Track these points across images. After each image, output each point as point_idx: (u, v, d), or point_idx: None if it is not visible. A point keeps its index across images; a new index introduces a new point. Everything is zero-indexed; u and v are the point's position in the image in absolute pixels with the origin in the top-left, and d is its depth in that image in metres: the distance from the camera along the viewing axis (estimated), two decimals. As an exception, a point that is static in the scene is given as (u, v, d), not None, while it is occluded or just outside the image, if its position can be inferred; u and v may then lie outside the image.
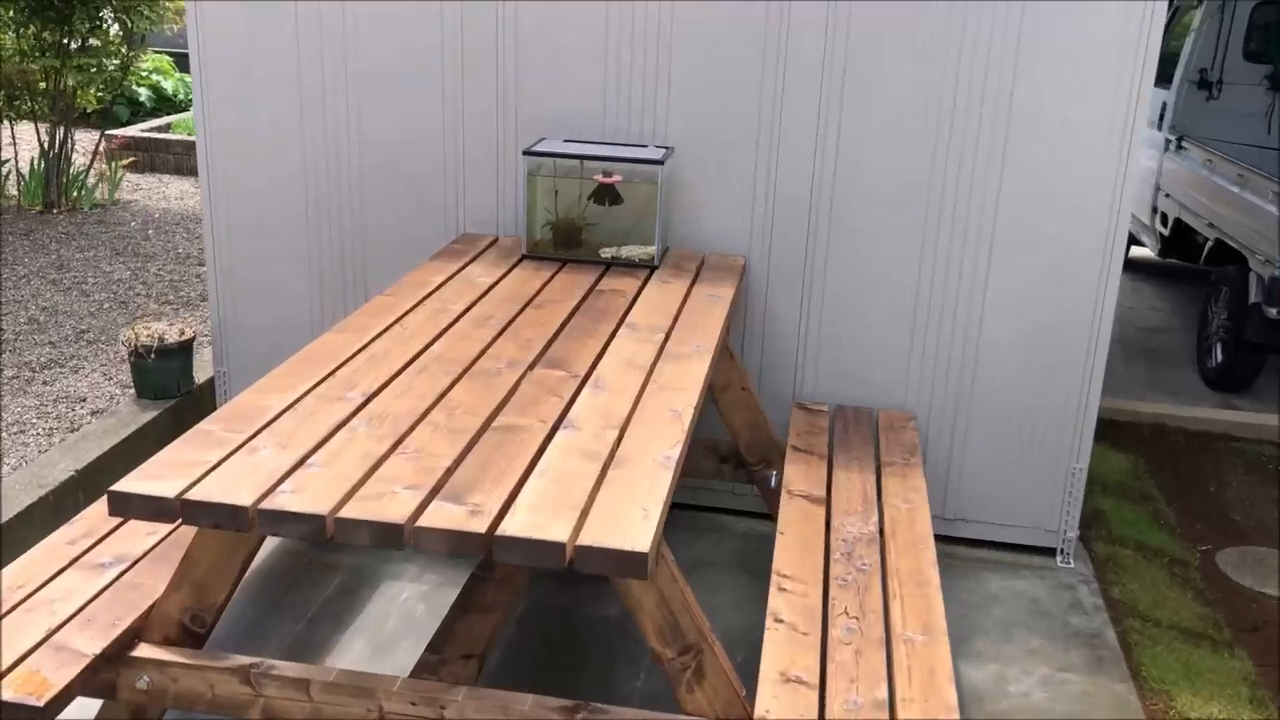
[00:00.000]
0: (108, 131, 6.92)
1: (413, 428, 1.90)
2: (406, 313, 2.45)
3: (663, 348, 2.33)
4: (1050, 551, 3.17)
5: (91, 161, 6.28)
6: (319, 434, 1.86)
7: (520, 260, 2.89)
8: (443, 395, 2.04)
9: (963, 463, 3.15)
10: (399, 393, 2.04)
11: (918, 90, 2.89)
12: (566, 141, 2.99)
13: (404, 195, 3.19)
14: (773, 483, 2.90)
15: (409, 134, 3.14)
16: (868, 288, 3.06)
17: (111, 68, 6.12)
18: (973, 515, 3.17)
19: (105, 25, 6.09)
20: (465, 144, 3.14)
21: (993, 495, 3.16)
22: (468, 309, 2.49)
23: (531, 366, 2.19)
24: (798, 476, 2.67)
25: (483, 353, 2.25)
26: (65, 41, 5.81)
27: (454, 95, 3.09)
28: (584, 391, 2.08)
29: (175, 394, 3.32)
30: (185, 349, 3.31)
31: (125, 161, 6.84)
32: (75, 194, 6.10)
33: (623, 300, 2.61)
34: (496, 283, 2.70)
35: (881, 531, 2.46)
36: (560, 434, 1.91)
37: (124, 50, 6.13)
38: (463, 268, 2.81)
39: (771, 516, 3.19)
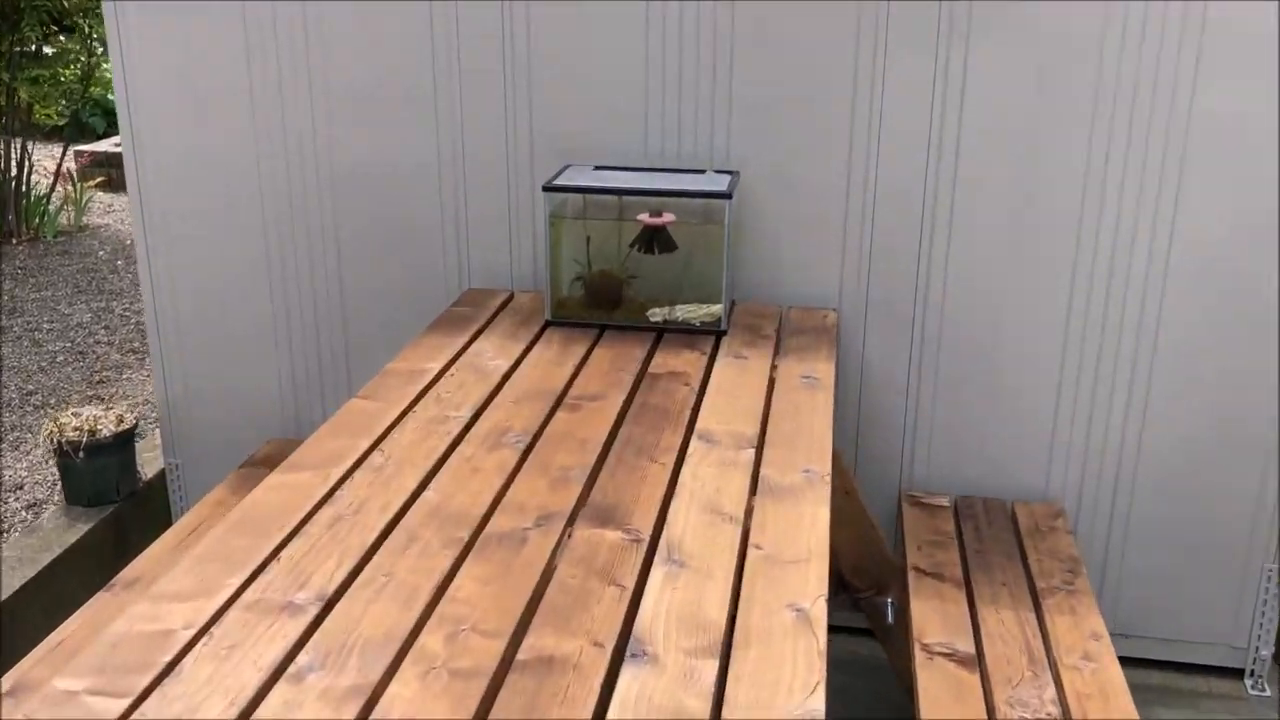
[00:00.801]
0: (75, 147, 6.24)
1: (392, 671, 1.21)
2: (392, 426, 1.75)
3: (756, 474, 1.63)
4: (1238, 673, 2.47)
5: (54, 183, 5.60)
6: (238, 691, 1.17)
7: (544, 329, 2.19)
8: (440, 592, 1.34)
9: (1122, 564, 2.44)
10: (373, 592, 1.34)
11: (1061, 92, 2.18)
12: (598, 170, 2.29)
13: (390, 242, 2.49)
14: (889, 615, 2.21)
15: (393, 165, 2.45)
16: (997, 343, 2.35)
17: (70, 78, 5.44)
18: (1138, 629, 2.47)
19: (60, 33, 5.42)
20: (466, 176, 2.44)
21: (1163, 604, 2.45)
22: (476, 415, 1.80)
23: (572, 523, 1.50)
24: (931, 618, 1.97)
25: (499, 499, 1.55)
26: (16, 50, 5.14)
27: (449, 115, 2.39)
28: (653, 573, 1.38)
29: (115, 498, 2.64)
30: (124, 441, 2.63)
31: (93, 181, 6.16)
32: (36, 221, 5.42)
33: (686, 389, 1.91)
34: (514, 366, 2.01)
35: (1065, 712, 1.76)
36: (627, 671, 1.21)
37: (84, 58, 5.44)
38: (469, 343, 2.12)
39: (875, 636, 2.48)
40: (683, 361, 2.04)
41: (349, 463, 1.64)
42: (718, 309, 2.17)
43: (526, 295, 2.40)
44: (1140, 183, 2.21)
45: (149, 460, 2.91)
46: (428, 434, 1.73)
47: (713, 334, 2.16)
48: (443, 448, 1.69)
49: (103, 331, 4.42)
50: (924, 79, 2.22)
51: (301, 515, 1.49)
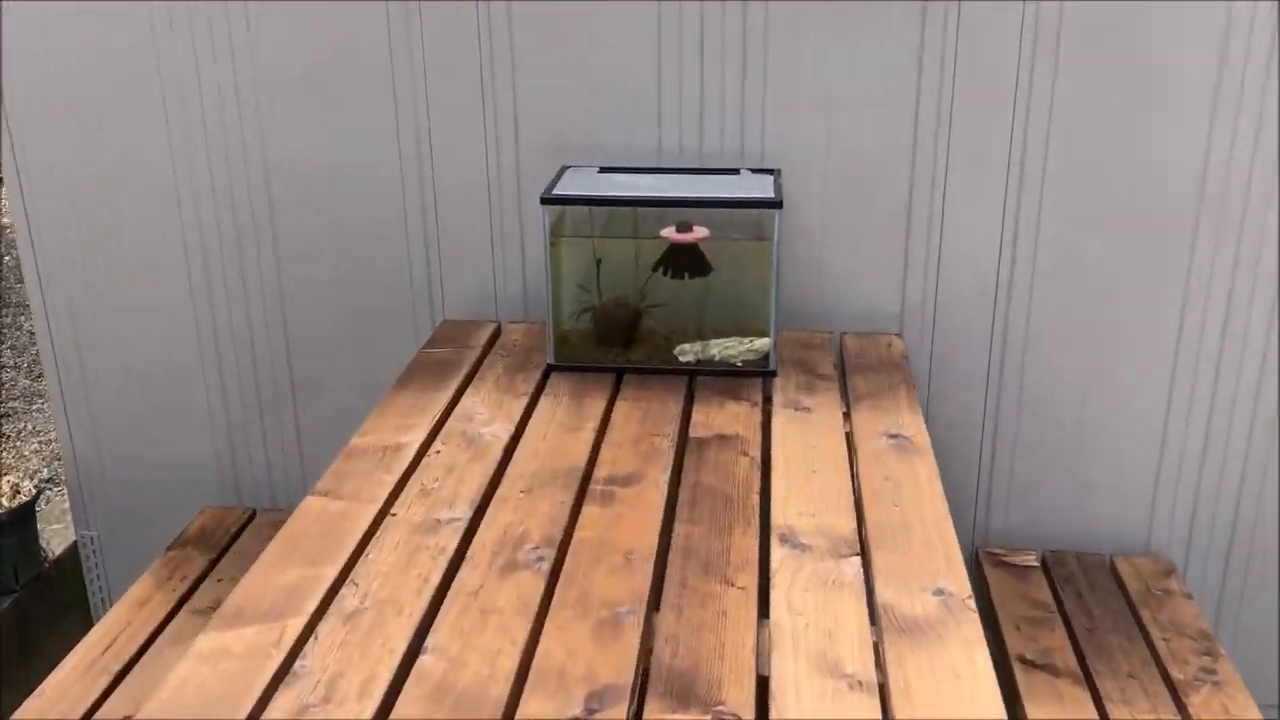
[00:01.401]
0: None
1: None
2: (365, 541, 1.29)
3: (871, 599, 1.20)
4: (1371, 744, 2.11)
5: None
6: None
7: (546, 375, 1.74)
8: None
9: (1237, 627, 2.06)
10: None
11: (1172, 78, 1.76)
12: (604, 172, 1.83)
13: (343, 263, 2.02)
14: None
15: (341, 166, 1.97)
16: (1092, 366, 1.94)
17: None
18: (1261, 697, 2.09)
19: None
20: (435, 177, 1.97)
21: (1285, 668, 2.08)
22: (478, 516, 1.34)
23: (639, 704, 1.05)
24: (1056, 734, 1.56)
25: (526, 664, 1.10)
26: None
27: (409, 100, 1.92)
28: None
29: (14, 587, 2.14)
30: (22, 517, 2.14)
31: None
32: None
33: (746, 461, 1.48)
34: (517, 433, 1.56)
35: None
36: None
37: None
38: (453, 401, 1.66)
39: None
40: (731, 418, 1.60)
41: (310, 607, 1.18)
42: (764, 344, 1.73)
43: (518, 328, 1.94)
44: (1266, 192, 1.80)
45: (56, 534, 2.42)
46: (415, 551, 1.28)
47: (759, 375, 1.72)
48: (438, 575, 1.23)
49: (8, 353, 3.89)
50: (1004, 84, 1.79)
51: (247, 711, 1.03)
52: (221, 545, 2.03)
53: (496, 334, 1.92)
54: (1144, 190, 1.84)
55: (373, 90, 1.92)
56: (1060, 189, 1.85)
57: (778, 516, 1.34)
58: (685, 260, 1.72)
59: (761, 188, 1.72)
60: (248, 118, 1.96)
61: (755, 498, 1.39)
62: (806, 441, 1.53)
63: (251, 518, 2.14)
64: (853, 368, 1.78)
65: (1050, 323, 1.92)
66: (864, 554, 1.27)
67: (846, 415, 1.62)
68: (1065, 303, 1.91)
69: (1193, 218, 1.84)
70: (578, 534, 1.31)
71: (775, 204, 1.65)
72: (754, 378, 1.72)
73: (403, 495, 1.40)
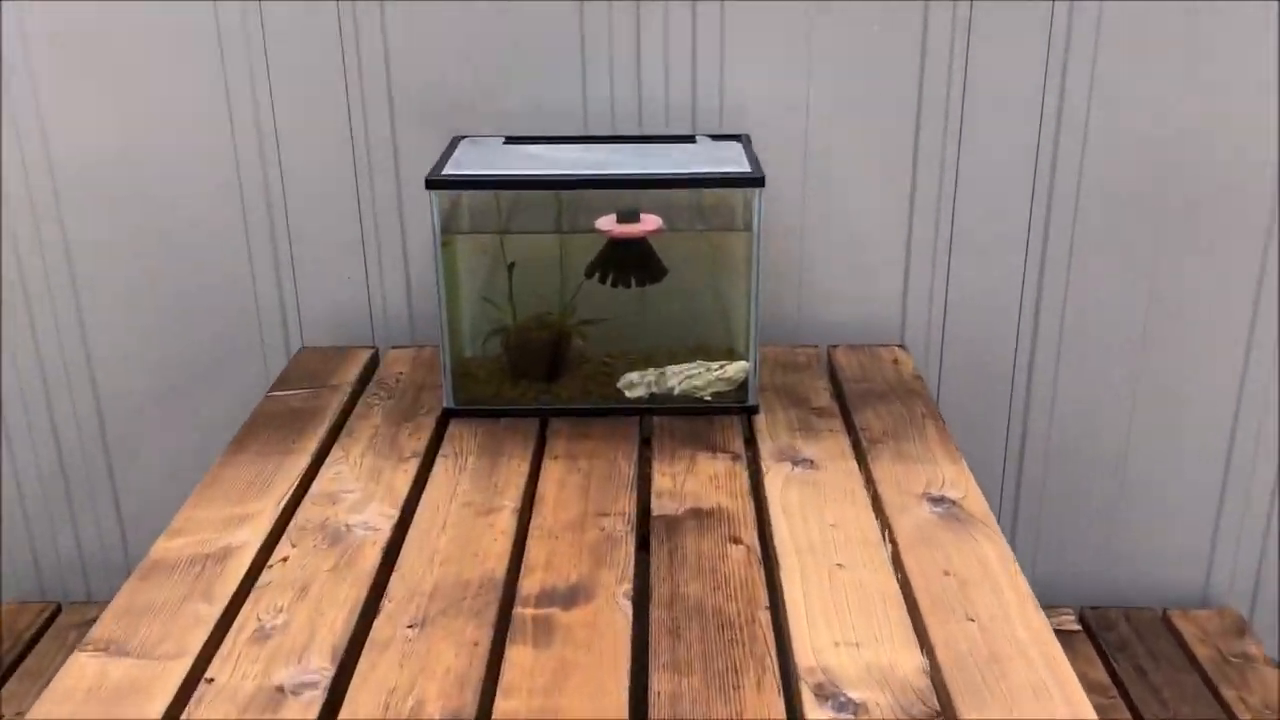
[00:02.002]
0: None
1: None
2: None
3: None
4: None
5: None
6: None
7: (443, 423, 1.26)
8: None
9: (1315, 683, 1.69)
10: None
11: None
12: (510, 143, 1.35)
13: (161, 285, 1.51)
14: None
15: (151, 156, 1.45)
16: (1136, 387, 1.54)
17: None
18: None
19: None
20: (283, 163, 1.47)
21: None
22: (342, 679, 0.87)
23: None
24: None
25: None
26: None
27: (243, 64, 1.41)
28: None
29: None
30: None
31: None
32: None
33: (737, 550, 1.02)
34: (404, 520, 1.08)
35: None
36: None
37: None
38: (312, 468, 1.17)
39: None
40: (706, 481, 1.15)
41: None
42: (740, 369, 1.27)
43: (403, 356, 1.45)
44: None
45: None
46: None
47: (736, 413, 1.27)
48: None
49: None
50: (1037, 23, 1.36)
51: None
52: (13, 656, 1.51)
53: (373, 366, 1.43)
54: (1206, 190, 1.43)
55: (186, 48, 1.40)
56: (1105, 137, 1.43)
57: (803, 650, 0.89)
58: (630, 260, 1.26)
59: (732, 159, 1.26)
60: (17, 98, 1.43)
61: (764, 616, 0.94)
62: (819, 515, 1.08)
63: (56, 614, 1.62)
64: (855, 395, 1.34)
65: (1090, 336, 1.51)
66: (946, 712, 0.83)
67: (862, 466, 1.18)
68: (1109, 311, 1.50)
69: (1265, 229, 1.44)
70: (501, 704, 0.84)
71: (757, 180, 1.19)
72: (729, 416, 1.27)
73: (227, 643, 0.91)
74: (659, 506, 1.10)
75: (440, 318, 1.24)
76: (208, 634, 0.91)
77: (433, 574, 0.99)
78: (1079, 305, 1.49)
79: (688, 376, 1.28)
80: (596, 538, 1.05)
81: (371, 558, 1.02)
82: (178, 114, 1.43)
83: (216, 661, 0.88)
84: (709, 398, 1.28)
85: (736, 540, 1.04)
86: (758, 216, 1.20)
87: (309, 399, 1.33)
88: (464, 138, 1.37)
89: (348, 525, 1.07)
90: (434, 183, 1.20)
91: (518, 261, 1.26)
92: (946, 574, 0.99)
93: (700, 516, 1.08)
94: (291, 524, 1.08)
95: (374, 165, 1.45)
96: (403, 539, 1.05)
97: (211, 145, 1.44)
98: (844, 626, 0.92)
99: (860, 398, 1.33)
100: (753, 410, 1.27)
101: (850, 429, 1.26)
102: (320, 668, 0.87)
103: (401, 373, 1.40)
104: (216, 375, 1.53)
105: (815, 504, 1.10)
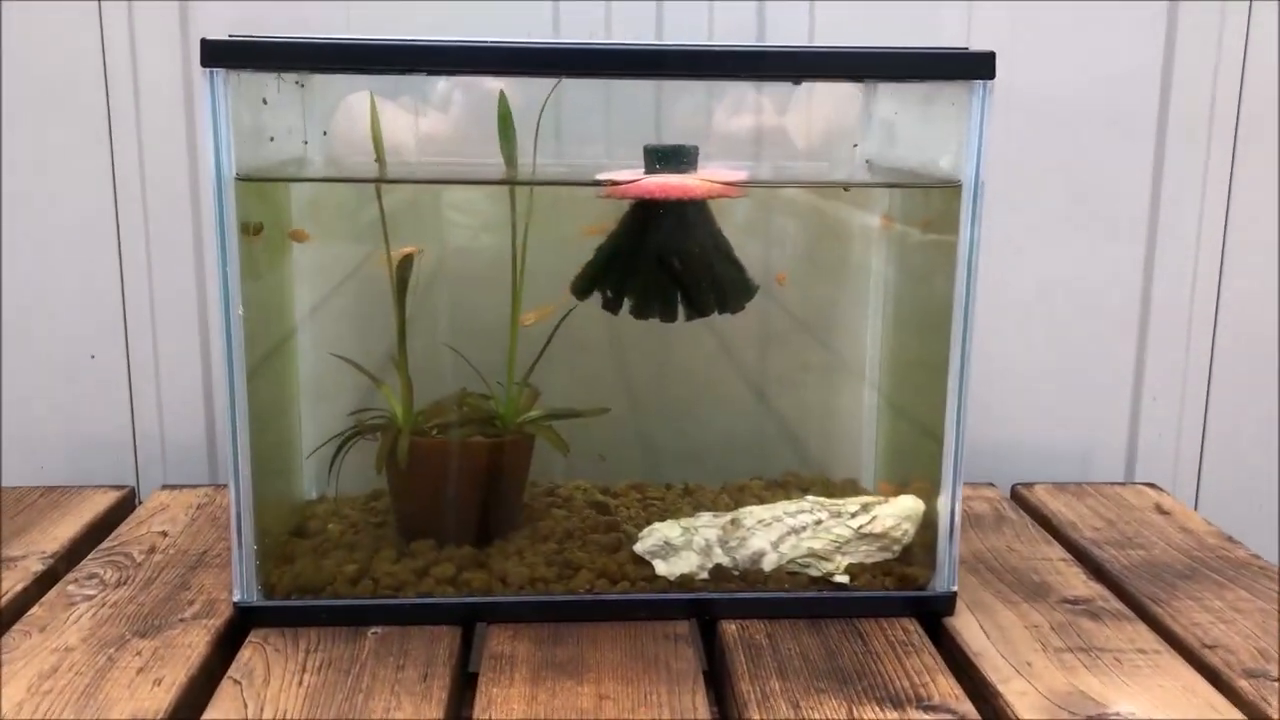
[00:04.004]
0: None
1: None
2: None
3: None
4: None
5: None
6: None
7: (234, 639, 0.54)
8: None
9: None
10: None
11: None
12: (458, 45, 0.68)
13: None
14: None
15: None
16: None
17: None
18: None
19: None
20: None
21: None
22: None
23: None
24: None
25: None
26: None
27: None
28: None
29: None
30: None
31: None
32: None
33: None
34: None
35: None
36: None
37: None
38: None
39: None
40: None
41: None
42: (909, 513, 0.58)
43: (179, 497, 0.73)
44: None
45: None
46: None
47: (904, 614, 0.57)
48: None
49: None
50: None
51: None
52: None
53: (116, 516, 0.70)
54: None
55: None
56: None
57: None
58: (675, 258, 0.57)
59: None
60: None
61: None
62: None
63: None
64: (1129, 572, 0.64)
65: None
66: None
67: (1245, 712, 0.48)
68: None
69: None
70: None
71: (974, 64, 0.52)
72: (890, 619, 0.56)
73: None
74: None
75: (228, 396, 0.53)
76: None
77: None
78: None
79: (794, 530, 0.58)
80: None
81: None
82: None
83: None
84: (842, 575, 0.57)
85: None
86: (974, 195, 0.53)
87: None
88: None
89: None
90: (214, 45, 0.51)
91: (415, 255, 0.56)
92: None
93: None
94: None
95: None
96: None
97: None
98: None
99: (1142, 576, 0.63)
100: (942, 604, 0.57)
101: (1170, 639, 0.56)
102: None
103: (166, 531, 0.67)
104: None
105: None
